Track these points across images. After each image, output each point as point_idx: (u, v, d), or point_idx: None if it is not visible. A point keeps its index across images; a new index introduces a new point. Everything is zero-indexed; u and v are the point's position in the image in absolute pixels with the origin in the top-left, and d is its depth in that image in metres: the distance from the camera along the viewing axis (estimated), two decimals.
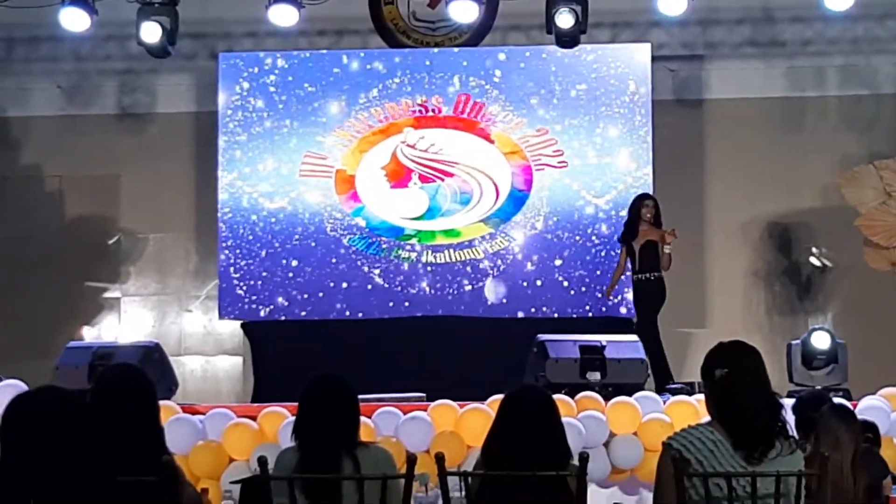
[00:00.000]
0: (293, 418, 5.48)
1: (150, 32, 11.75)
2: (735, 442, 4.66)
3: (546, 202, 12.68)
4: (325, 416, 5.31)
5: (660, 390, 9.70)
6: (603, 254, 12.52)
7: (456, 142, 12.81)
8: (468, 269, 12.66)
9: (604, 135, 12.72)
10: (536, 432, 5.21)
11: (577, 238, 12.62)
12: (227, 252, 12.76)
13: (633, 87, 12.71)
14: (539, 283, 12.56)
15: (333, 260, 12.73)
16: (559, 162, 12.76)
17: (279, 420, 8.38)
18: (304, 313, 12.63)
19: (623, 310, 12.20)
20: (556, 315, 12.34)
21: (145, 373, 5.14)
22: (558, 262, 12.59)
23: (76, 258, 13.37)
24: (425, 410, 8.70)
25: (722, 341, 4.89)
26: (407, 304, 12.61)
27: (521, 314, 12.49)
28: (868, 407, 8.46)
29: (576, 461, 5.18)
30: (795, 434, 4.91)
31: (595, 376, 9.14)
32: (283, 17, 11.94)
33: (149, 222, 13.45)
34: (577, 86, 12.79)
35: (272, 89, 12.92)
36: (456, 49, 13.03)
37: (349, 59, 12.99)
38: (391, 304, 12.62)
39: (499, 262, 12.64)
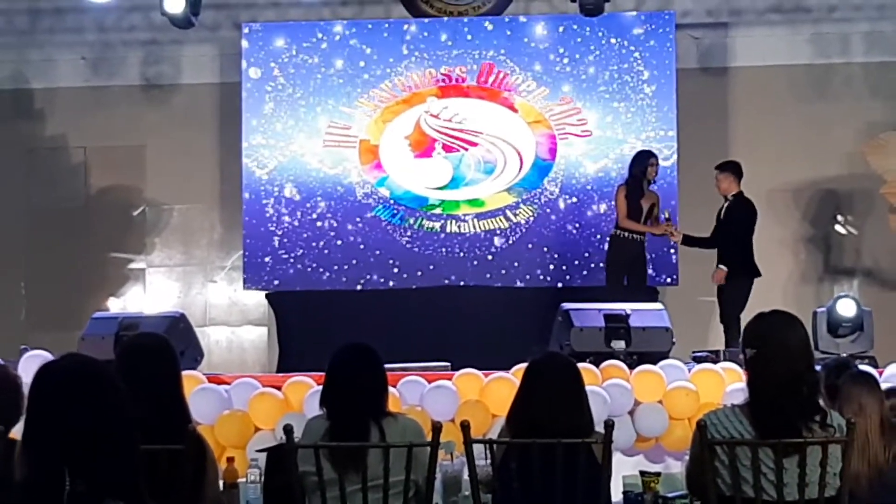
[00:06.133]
0: (318, 387, 5.49)
1: (174, 3, 11.72)
2: (759, 430, 4.59)
3: (570, 171, 12.65)
4: (354, 384, 5.32)
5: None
6: None
7: (479, 111, 12.79)
8: (492, 238, 12.66)
9: (628, 103, 12.68)
10: (561, 399, 5.22)
11: (601, 207, 12.59)
12: (251, 223, 12.77)
13: (658, 56, 12.66)
14: (563, 251, 12.55)
15: (357, 230, 12.74)
16: (583, 131, 12.72)
17: (304, 389, 8.39)
18: (328, 283, 12.64)
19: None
20: (580, 283, 12.32)
21: (169, 341, 5.15)
22: (582, 231, 12.57)
23: (101, 229, 13.41)
24: (450, 379, 8.69)
25: (761, 312, 4.73)
26: (431, 273, 12.61)
27: (545, 283, 12.48)
28: (894, 374, 8.43)
29: (600, 429, 5.19)
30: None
31: (620, 345, 9.10)
32: None
33: (173, 193, 13.48)
34: (601, 54, 12.76)
35: (295, 59, 12.91)
36: (479, 18, 12.98)
37: (372, 28, 12.97)
38: (415, 273, 12.62)
39: (523, 231, 12.62)
